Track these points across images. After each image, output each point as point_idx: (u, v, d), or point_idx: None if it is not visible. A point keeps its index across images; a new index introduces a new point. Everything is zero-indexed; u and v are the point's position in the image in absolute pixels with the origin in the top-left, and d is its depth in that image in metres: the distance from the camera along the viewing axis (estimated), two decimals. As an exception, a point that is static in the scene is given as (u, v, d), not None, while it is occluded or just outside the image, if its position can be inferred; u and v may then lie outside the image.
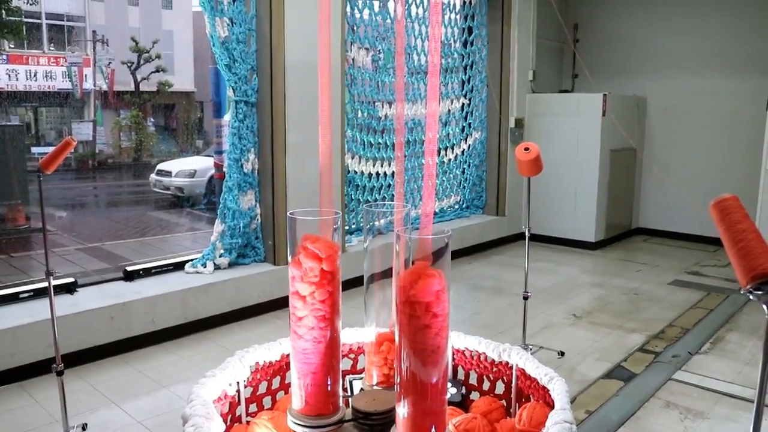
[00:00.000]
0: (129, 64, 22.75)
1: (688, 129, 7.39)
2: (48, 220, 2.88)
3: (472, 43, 6.78)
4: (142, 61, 22.81)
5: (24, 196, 9.21)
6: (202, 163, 11.57)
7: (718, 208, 1.20)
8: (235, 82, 4.51)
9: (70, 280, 4.15)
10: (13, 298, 3.86)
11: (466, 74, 6.78)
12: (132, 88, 22.91)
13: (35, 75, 23.01)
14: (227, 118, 4.72)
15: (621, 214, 7.50)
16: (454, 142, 6.77)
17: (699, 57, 7.25)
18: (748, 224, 1.17)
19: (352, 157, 5.51)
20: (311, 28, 4.56)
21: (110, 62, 23.01)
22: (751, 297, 1.13)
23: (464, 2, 6.69)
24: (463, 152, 6.86)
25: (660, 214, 7.73)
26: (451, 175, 6.83)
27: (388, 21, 5.59)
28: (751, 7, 6.85)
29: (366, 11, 5.45)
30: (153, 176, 12.09)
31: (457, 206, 7.01)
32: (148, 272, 4.54)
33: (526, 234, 3.96)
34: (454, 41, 6.66)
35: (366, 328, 1.98)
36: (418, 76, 6.04)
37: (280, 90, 4.59)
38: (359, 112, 5.52)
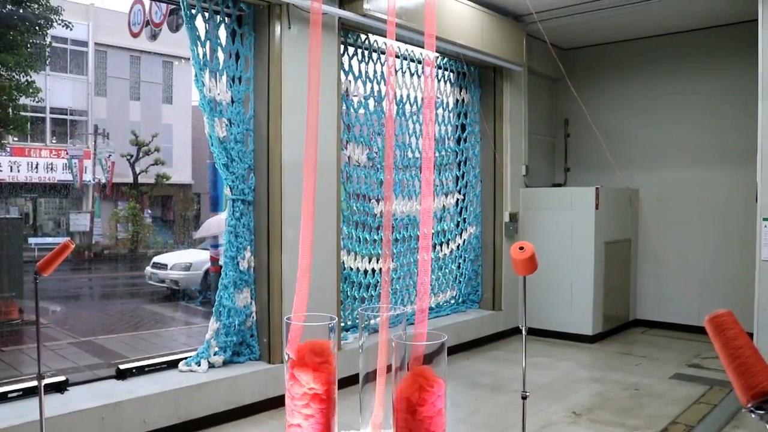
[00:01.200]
0: (128, 157, 23.18)
1: (681, 219, 7.52)
2: (41, 314, 2.89)
3: (465, 140, 6.98)
4: (141, 154, 23.26)
5: (18, 290, 9.18)
6: (198, 256, 11.61)
7: (713, 324, 1.17)
8: (233, 181, 4.62)
9: (61, 378, 4.10)
10: (2, 397, 3.80)
11: (460, 170, 6.94)
12: (131, 180, 23.25)
13: (36, 167, 23.40)
14: (224, 215, 4.79)
15: (618, 306, 7.50)
16: (450, 237, 6.85)
17: (687, 149, 7.47)
18: (745, 340, 1.15)
19: (348, 254, 5.56)
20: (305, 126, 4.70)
21: (110, 155, 23.46)
22: (753, 416, 1.10)
23: (457, 100, 6.93)
24: (458, 247, 6.93)
25: (658, 305, 7.73)
26: (447, 270, 6.86)
27: (383, 120, 5.77)
28: (727, 104, 7.16)
29: (361, 110, 5.64)
30: (148, 269, 12.11)
31: (453, 301, 7.01)
32: (141, 370, 4.48)
33: (523, 333, 3.95)
34: (448, 138, 6.86)
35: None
36: (412, 172, 6.18)
37: (276, 188, 4.69)
38: (355, 208, 5.61)
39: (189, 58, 4.47)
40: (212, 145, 4.56)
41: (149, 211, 23.30)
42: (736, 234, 7.03)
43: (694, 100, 7.44)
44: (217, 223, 10.86)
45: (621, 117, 7.92)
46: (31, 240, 18.76)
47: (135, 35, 13.92)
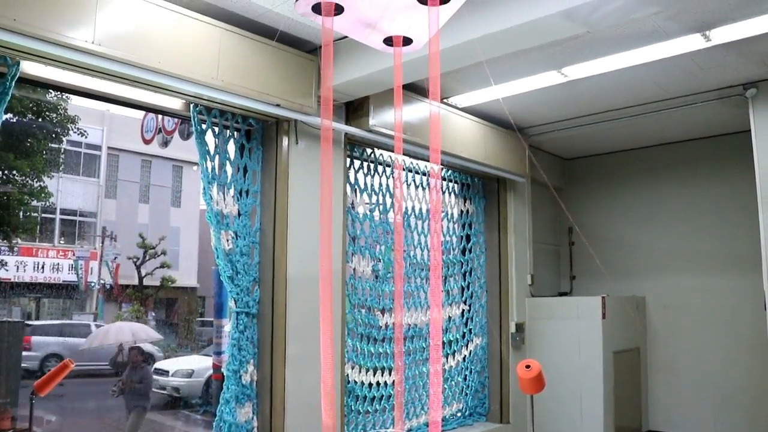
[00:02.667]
0: (135, 260, 23.26)
1: (690, 326, 7.38)
2: (36, 424, 2.80)
3: (470, 250, 6.98)
4: (147, 257, 23.36)
5: (13, 397, 8.92)
6: (201, 363, 11.41)
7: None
8: (237, 294, 4.59)
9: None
10: None
11: (465, 280, 6.90)
12: (136, 282, 23.23)
13: (42, 267, 23.46)
14: (227, 328, 4.75)
15: (630, 416, 7.25)
16: (456, 348, 6.73)
17: (693, 256, 7.43)
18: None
19: (352, 368, 5.45)
20: (313, 240, 4.72)
21: (116, 257, 23.57)
22: None
23: (461, 211, 6.99)
24: (464, 358, 6.79)
25: (671, 415, 7.47)
26: (453, 383, 6.70)
27: (389, 232, 5.80)
28: (731, 211, 7.14)
29: (367, 223, 5.68)
30: (149, 375, 11.85)
31: (459, 414, 6.79)
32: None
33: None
34: (453, 249, 6.87)
35: None
36: (418, 283, 6.16)
37: (281, 301, 4.66)
38: (360, 320, 5.54)
39: (198, 164, 4.56)
40: (218, 257, 4.56)
41: (153, 314, 23.14)
42: (747, 341, 6.88)
43: (698, 208, 7.48)
44: (115, 331, 10.67)
45: (625, 225, 7.95)
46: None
47: (147, 142, 14.28)
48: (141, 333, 10.96)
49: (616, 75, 5.32)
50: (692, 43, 4.70)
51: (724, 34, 4.56)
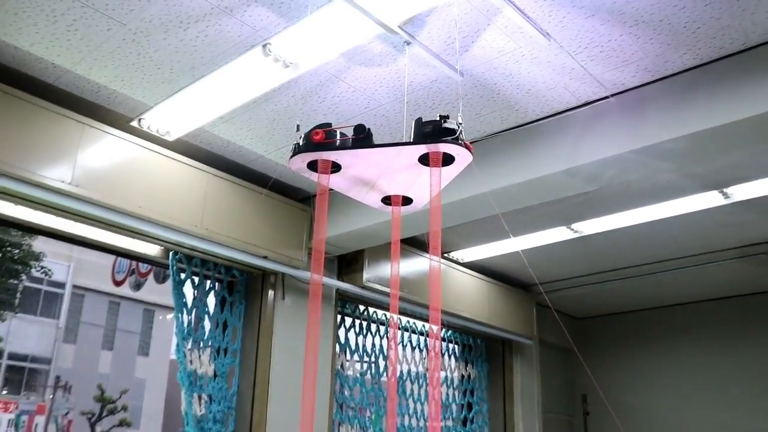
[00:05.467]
0: (90, 416, 22.44)
1: None
2: None
3: (472, 421, 6.79)
4: (105, 413, 22.56)
5: None
6: None
7: None
8: (207, 468, 4.41)
9: None
10: None
11: (466, 455, 6.69)
12: (89, 442, 22.31)
13: (-23, 421, 22.50)
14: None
15: None
16: None
17: (717, 430, 7.22)
18: None
19: None
20: (297, 407, 4.60)
21: (68, 411, 22.73)
22: None
23: (462, 376, 6.88)
24: None
25: None
26: None
27: (381, 399, 5.68)
28: (765, 378, 7.05)
29: (357, 388, 5.57)
30: None
31: None
32: None
33: None
34: (453, 419, 6.69)
35: None
36: (413, 458, 5.95)
37: (256, 478, 4.47)
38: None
39: (174, 315, 4.51)
40: (187, 423, 4.42)
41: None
42: None
43: (727, 376, 7.33)
44: None
45: (645, 392, 7.79)
46: None
47: (118, 284, 14.20)
48: None
49: (630, 231, 5.39)
50: (710, 200, 4.81)
51: (744, 192, 4.68)
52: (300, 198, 4.88)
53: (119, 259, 13.64)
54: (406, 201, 2.64)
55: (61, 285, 25.71)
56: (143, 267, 12.19)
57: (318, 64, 3.23)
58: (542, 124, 3.89)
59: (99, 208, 3.78)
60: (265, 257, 4.60)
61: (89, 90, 3.67)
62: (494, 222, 4.59)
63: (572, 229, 5.46)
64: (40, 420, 22.69)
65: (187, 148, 4.25)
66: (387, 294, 5.28)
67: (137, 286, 12.88)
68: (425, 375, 6.19)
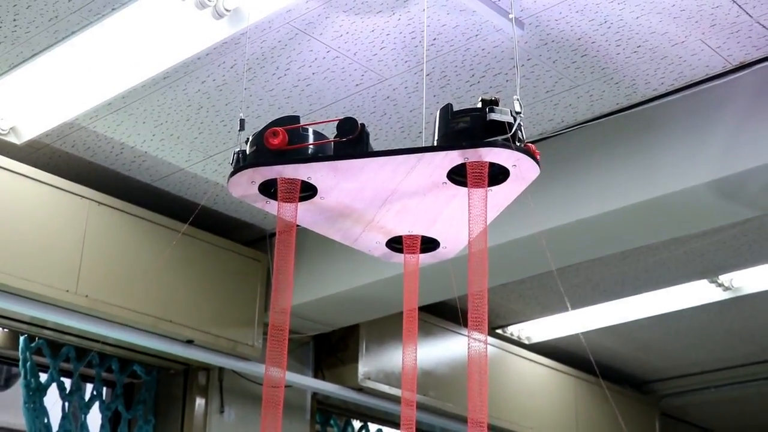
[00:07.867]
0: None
1: None
2: None
3: None
4: None
5: None
6: None
7: None
8: None
9: None
10: None
11: None
12: None
13: None
14: None
15: None
16: None
17: None
18: None
19: None
20: None
21: None
22: None
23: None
24: None
25: None
26: None
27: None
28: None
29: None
30: None
31: None
32: None
33: None
34: None
35: None
36: None
37: None
38: None
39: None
40: None
41: None
42: None
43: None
44: None
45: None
46: None
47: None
48: None
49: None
50: None
51: None
52: (249, 240, 4.01)
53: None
54: (429, 244, 1.99)
55: None
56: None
57: (275, 10, 2.43)
58: (664, 106, 2.98)
59: None
60: (189, 341, 3.61)
61: None
62: (582, 275, 3.88)
63: (719, 283, 4.32)
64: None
65: (49, 158, 3.33)
66: (398, 399, 3.98)
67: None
68: None
